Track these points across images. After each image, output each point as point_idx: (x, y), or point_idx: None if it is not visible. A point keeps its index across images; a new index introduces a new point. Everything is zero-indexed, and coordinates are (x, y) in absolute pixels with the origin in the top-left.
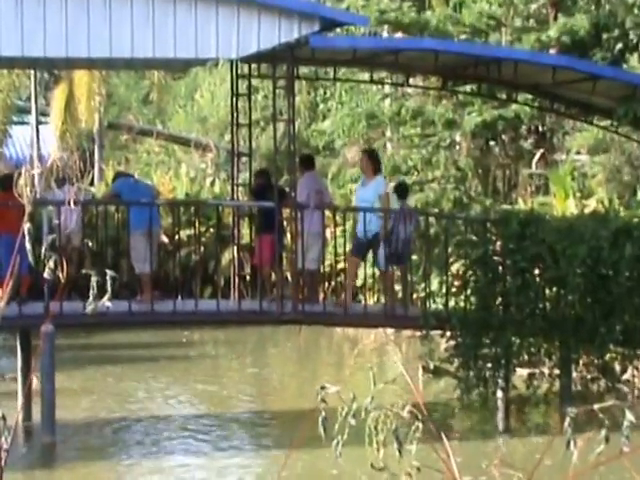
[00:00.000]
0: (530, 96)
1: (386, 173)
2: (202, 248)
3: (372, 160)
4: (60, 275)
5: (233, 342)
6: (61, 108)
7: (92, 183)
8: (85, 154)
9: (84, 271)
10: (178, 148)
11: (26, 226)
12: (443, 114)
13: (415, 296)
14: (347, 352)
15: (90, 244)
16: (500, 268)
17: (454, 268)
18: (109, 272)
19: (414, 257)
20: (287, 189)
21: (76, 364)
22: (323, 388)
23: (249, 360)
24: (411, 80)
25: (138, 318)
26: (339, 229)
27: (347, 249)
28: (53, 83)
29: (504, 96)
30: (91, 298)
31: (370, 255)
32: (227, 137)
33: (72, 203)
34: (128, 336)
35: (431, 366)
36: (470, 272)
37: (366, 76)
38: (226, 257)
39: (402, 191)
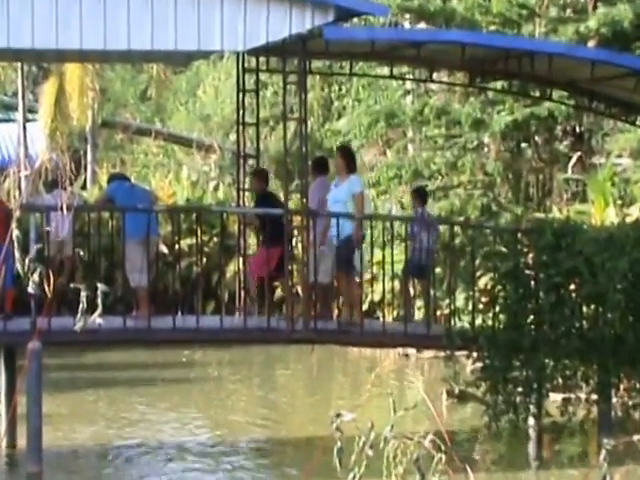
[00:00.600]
0: (566, 93)
1: (407, 178)
2: (204, 259)
3: (346, 158)
4: (47, 288)
5: (238, 363)
6: (51, 104)
7: (84, 187)
8: (77, 155)
9: (73, 284)
10: (179, 149)
11: (14, 234)
12: (470, 113)
13: (438, 313)
14: (363, 374)
15: (82, 254)
16: (532, 283)
17: (481, 283)
18: (100, 285)
19: (437, 270)
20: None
21: (66, 386)
22: (338, 415)
23: (256, 383)
24: (435, 75)
25: (134, 336)
26: None
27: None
28: (42, 77)
29: (537, 93)
30: (80, 314)
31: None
32: (232, 137)
33: (64, 209)
34: (123, 356)
35: (456, 390)
36: (499, 287)
37: (385, 71)
38: (231, 269)
39: (421, 196)
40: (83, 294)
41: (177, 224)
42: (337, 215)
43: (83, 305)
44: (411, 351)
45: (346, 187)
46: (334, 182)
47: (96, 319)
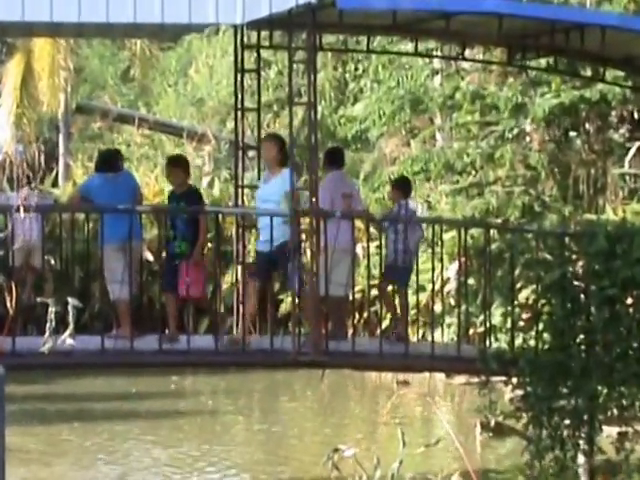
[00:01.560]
0: (622, 73)
1: (436, 172)
2: None
3: (280, 148)
4: (9, 302)
5: (236, 391)
6: (16, 87)
7: (55, 183)
8: (47, 146)
9: (40, 298)
10: (167, 139)
11: None
12: (509, 96)
13: (471, 331)
14: (383, 404)
15: (52, 262)
16: (582, 296)
17: (522, 296)
18: (71, 300)
19: (470, 281)
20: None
21: (33, 418)
22: (336, 451)
23: (257, 414)
24: (468, 53)
25: (113, 359)
26: (374, 244)
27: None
28: (6, 55)
29: (588, 73)
30: (48, 333)
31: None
32: (230, 125)
33: (30, 210)
34: (100, 383)
35: (492, 422)
36: (543, 301)
37: (409, 47)
38: (227, 280)
39: (403, 188)
40: (52, 310)
41: (165, 227)
42: (268, 214)
43: (52, 322)
44: (439, 376)
45: (279, 183)
46: (262, 177)
47: (67, 339)
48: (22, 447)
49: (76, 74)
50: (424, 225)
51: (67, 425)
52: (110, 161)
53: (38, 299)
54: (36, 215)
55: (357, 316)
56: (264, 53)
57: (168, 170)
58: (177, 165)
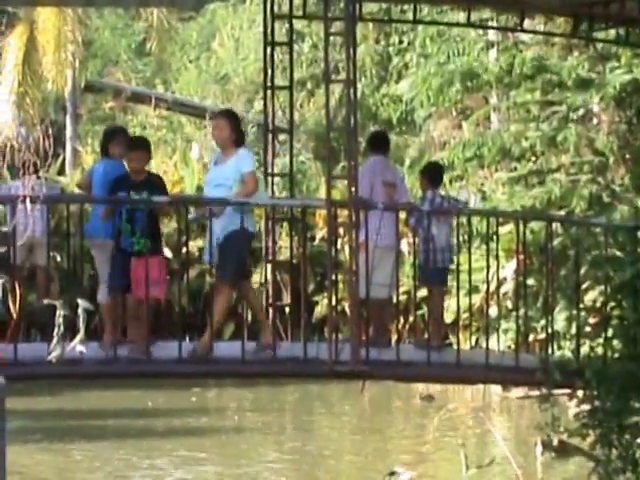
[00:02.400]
0: None
1: (490, 158)
2: None
3: (233, 126)
4: (12, 305)
5: (266, 406)
6: (18, 62)
7: (62, 171)
8: (52, 128)
9: (47, 300)
10: (187, 120)
11: None
12: (574, 65)
13: (531, 338)
14: (431, 419)
15: (59, 259)
16: None
17: (589, 298)
18: (82, 302)
19: (530, 281)
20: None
21: (36, 436)
22: (393, 474)
23: (289, 431)
24: (527, 23)
25: (126, 369)
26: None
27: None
28: (6, 27)
29: None
30: (56, 339)
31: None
32: (258, 105)
33: (38, 201)
34: (113, 396)
35: (554, 441)
36: (613, 303)
37: (461, 17)
38: (256, 279)
39: (431, 176)
40: (60, 313)
41: (184, 220)
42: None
43: (60, 328)
44: (494, 389)
45: (233, 165)
46: (213, 159)
47: (77, 346)
48: (24, 468)
49: (85, 48)
50: (476, 218)
51: (75, 444)
52: (102, 144)
53: (44, 301)
54: (41, 207)
55: (402, 321)
56: (297, 24)
57: (128, 154)
58: (139, 147)
